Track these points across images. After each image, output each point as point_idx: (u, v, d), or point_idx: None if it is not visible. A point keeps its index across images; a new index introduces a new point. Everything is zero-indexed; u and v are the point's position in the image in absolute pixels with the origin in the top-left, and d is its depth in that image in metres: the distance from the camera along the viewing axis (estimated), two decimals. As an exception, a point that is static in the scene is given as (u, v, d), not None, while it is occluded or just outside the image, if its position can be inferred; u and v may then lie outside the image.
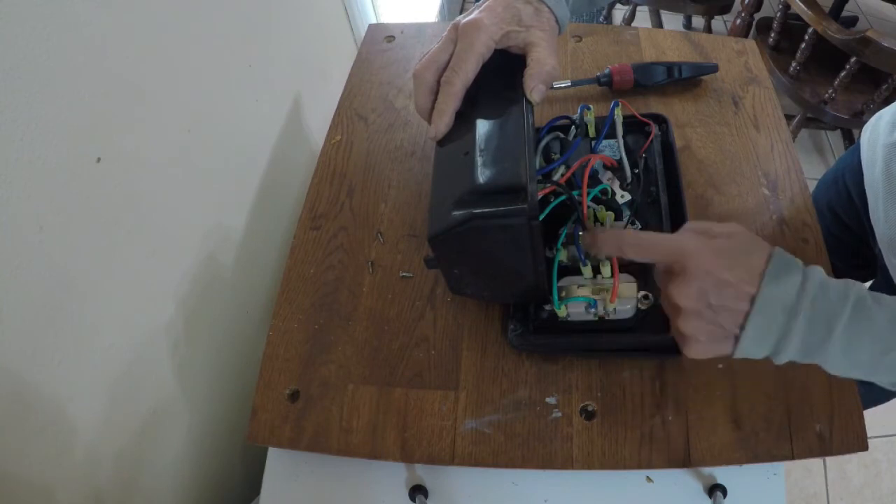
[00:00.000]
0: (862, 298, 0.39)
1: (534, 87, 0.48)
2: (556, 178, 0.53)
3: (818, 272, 0.40)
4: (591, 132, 0.60)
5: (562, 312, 0.50)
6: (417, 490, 0.54)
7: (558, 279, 0.52)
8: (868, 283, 0.80)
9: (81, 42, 0.47)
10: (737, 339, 0.40)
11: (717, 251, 0.40)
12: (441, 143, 0.50)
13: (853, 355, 0.39)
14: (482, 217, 0.42)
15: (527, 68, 0.48)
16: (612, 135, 0.60)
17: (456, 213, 0.43)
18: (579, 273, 0.52)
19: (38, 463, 0.47)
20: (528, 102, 0.48)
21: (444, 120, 0.49)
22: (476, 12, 0.49)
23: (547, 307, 0.54)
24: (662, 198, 0.58)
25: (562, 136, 0.59)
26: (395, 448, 0.52)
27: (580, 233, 0.48)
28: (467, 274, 0.50)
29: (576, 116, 0.60)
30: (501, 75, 0.49)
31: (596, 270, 0.51)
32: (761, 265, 0.40)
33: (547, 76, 0.49)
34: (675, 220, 0.57)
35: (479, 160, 0.45)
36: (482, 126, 0.48)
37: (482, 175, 0.44)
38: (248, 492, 0.80)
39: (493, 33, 0.48)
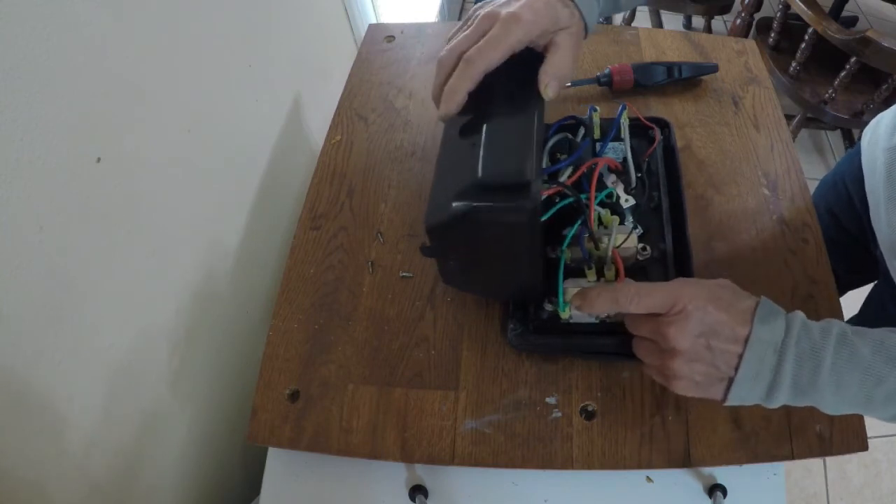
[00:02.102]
0: (843, 333, 0.41)
1: (548, 83, 0.47)
2: (562, 178, 0.53)
3: (799, 315, 0.42)
4: (597, 134, 0.60)
5: (566, 314, 0.50)
6: (417, 490, 0.54)
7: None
8: (869, 287, 0.80)
9: (81, 42, 0.47)
10: (730, 382, 0.42)
11: (711, 293, 0.42)
12: (449, 126, 0.49)
13: (845, 391, 0.40)
14: (483, 211, 0.42)
15: (544, 64, 0.48)
16: (616, 137, 0.60)
17: (457, 204, 0.43)
18: (584, 275, 0.52)
19: (37, 462, 0.47)
20: (541, 98, 0.48)
21: (455, 99, 0.46)
22: (517, 5, 0.47)
23: (548, 307, 0.54)
24: (664, 202, 0.58)
25: (570, 136, 0.59)
26: (395, 448, 0.52)
27: (567, 288, 0.49)
28: (463, 266, 0.50)
29: (585, 117, 0.60)
30: (519, 70, 0.48)
31: (600, 273, 0.51)
32: (751, 308, 0.42)
33: (563, 75, 0.48)
34: (676, 225, 0.57)
35: (485, 152, 0.44)
36: (493, 118, 0.47)
37: (487, 168, 0.43)
38: (248, 492, 0.80)
39: (530, 31, 0.46)
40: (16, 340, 0.44)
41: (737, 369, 0.41)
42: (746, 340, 0.40)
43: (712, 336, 0.41)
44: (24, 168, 0.42)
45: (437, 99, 0.48)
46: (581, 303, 0.46)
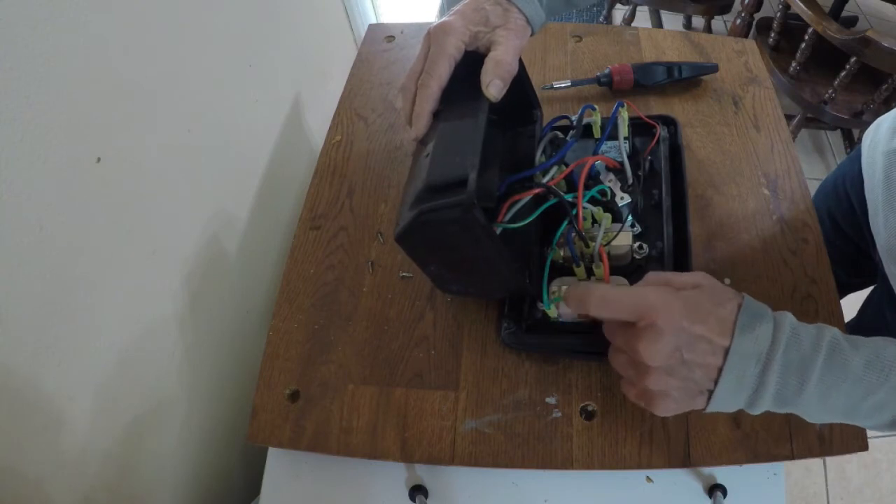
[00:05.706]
0: (836, 343, 0.38)
1: (489, 83, 0.48)
2: (546, 179, 0.53)
3: (788, 318, 0.39)
4: (597, 133, 0.60)
5: (552, 313, 0.50)
6: (417, 490, 0.54)
7: (553, 279, 0.52)
8: (868, 291, 0.80)
9: (81, 42, 0.47)
10: (710, 393, 0.40)
11: (686, 304, 0.39)
12: (422, 142, 0.51)
13: (831, 402, 0.38)
14: (427, 212, 0.43)
15: (483, 65, 0.49)
16: (613, 135, 0.60)
17: (410, 212, 0.44)
18: (573, 274, 0.52)
19: (37, 462, 0.47)
20: (488, 99, 0.49)
21: (421, 121, 0.50)
22: (447, 16, 0.50)
23: (540, 306, 0.54)
24: (665, 201, 0.58)
25: (560, 135, 0.59)
26: (395, 448, 0.52)
27: (555, 287, 0.49)
28: (443, 271, 0.50)
29: (574, 117, 0.60)
30: (470, 76, 0.50)
31: (589, 272, 0.51)
32: (732, 315, 0.39)
33: (503, 72, 0.49)
34: (677, 224, 0.57)
35: (432, 159, 0.46)
36: (443, 126, 0.49)
37: (432, 172, 0.44)
38: (248, 492, 0.80)
39: (461, 35, 0.49)
40: (16, 340, 0.44)
41: (716, 382, 0.39)
42: (727, 352, 0.38)
43: (688, 350, 0.38)
44: (24, 168, 0.42)
45: (407, 121, 0.52)
46: (566, 301, 0.46)
